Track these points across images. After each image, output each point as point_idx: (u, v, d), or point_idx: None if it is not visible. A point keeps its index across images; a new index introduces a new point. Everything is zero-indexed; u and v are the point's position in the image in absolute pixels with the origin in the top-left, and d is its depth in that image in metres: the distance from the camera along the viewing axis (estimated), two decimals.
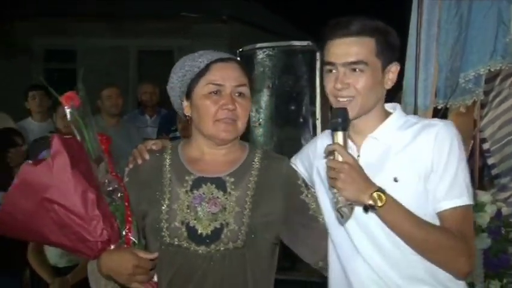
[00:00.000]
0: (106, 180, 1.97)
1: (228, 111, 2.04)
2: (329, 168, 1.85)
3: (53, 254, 3.91)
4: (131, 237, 1.95)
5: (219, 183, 2.06)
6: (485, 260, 3.32)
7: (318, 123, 4.61)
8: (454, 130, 1.98)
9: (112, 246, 1.90)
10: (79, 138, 1.95)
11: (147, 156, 2.15)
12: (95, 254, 1.91)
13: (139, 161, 2.15)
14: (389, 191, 1.85)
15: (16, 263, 4.11)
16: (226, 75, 2.06)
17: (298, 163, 2.23)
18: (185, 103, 2.13)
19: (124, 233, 1.94)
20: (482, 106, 3.94)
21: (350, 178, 1.81)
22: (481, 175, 4.16)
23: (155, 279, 1.98)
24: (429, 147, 1.92)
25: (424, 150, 1.93)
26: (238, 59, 2.22)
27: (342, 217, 1.85)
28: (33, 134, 5.63)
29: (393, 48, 1.99)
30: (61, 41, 13.44)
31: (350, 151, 1.91)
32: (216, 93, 2.05)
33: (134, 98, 10.71)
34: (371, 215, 1.90)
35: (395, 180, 1.93)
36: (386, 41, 1.96)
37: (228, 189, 2.06)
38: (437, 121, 2.01)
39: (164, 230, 2.02)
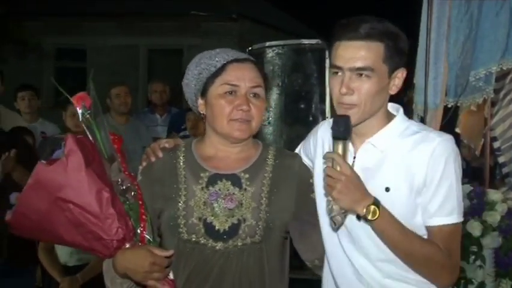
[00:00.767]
0: (119, 179, 1.97)
1: (242, 111, 2.05)
2: (327, 176, 1.85)
3: (63, 253, 3.92)
4: (146, 235, 1.95)
5: (234, 180, 2.08)
6: (496, 258, 3.32)
7: None
8: (452, 146, 1.95)
9: (127, 245, 1.90)
10: (90, 138, 1.95)
11: (160, 154, 2.16)
12: (111, 253, 1.91)
13: (152, 159, 2.16)
14: (379, 199, 1.86)
15: (28, 262, 4.14)
16: (242, 76, 2.07)
17: (302, 154, 2.24)
18: (200, 101, 2.14)
19: (138, 231, 1.95)
20: (493, 104, 3.93)
21: (346, 189, 1.81)
22: (491, 174, 4.15)
23: (172, 276, 1.98)
24: (424, 162, 1.91)
25: (419, 164, 1.92)
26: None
27: (335, 224, 1.87)
28: None
29: (401, 54, 1.95)
30: (72, 40, 13.53)
31: (349, 154, 1.91)
32: (231, 94, 2.06)
33: (144, 97, 10.75)
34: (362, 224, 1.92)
35: (387, 189, 1.93)
36: (395, 46, 1.92)
37: (244, 186, 2.07)
38: (436, 135, 1.97)
39: (181, 226, 2.03)
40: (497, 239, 3.29)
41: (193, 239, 2.02)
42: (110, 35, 13.21)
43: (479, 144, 4.12)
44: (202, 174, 2.09)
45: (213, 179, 2.08)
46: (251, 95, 2.08)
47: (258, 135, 2.21)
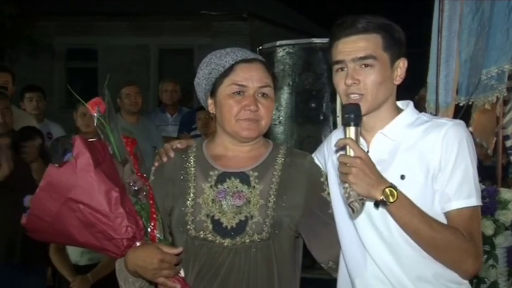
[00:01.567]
0: (132, 181, 2.00)
1: (250, 112, 2.07)
2: (341, 164, 1.84)
3: (73, 253, 3.94)
4: (157, 234, 1.98)
5: (243, 178, 2.10)
6: (509, 257, 3.30)
7: (339, 120, 4.58)
8: (464, 130, 1.96)
9: (138, 243, 1.93)
10: (104, 141, 1.99)
11: (172, 154, 2.19)
12: (122, 252, 1.93)
13: (165, 159, 2.19)
14: None
15: (40, 262, 4.16)
16: (250, 76, 2.08)
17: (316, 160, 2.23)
18: (210, 101, 2.17)
19: (149, 230, 1.97)
20: (505, 103, 3.91)
21: (362, 173, 1.80)
22: (504, 172, 4.13)
23: (182, 274, 2.00)
24: (437, 146, 1.91)
25: (432, 149, 1.91)
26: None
27: (354, 212, 1.83)
28: None
29: (399, 43, 1.99)
30: (83, 40, 13.59)
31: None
32: (239, 94, 2.08)
33: (155, 96, 10.80)
34: (382, 211, 1.89)
35: (402, 177, 1.92)
36: (392, 36, 1.96)
37: (252, 183, 2.09)
38: (447, 120, 1.99)
39: (189, 223, 2.05)
40: (510, 238, 3.28)
41: (201, 236, 2.04)
42: (121, 35, 13.26)
43: (492, 143, 4.09)
44: (211, 173, 2.11)
45: (222, 177, 2.09)
46: (259, 95, 2.09)
47: (268, 135, 2.22)
